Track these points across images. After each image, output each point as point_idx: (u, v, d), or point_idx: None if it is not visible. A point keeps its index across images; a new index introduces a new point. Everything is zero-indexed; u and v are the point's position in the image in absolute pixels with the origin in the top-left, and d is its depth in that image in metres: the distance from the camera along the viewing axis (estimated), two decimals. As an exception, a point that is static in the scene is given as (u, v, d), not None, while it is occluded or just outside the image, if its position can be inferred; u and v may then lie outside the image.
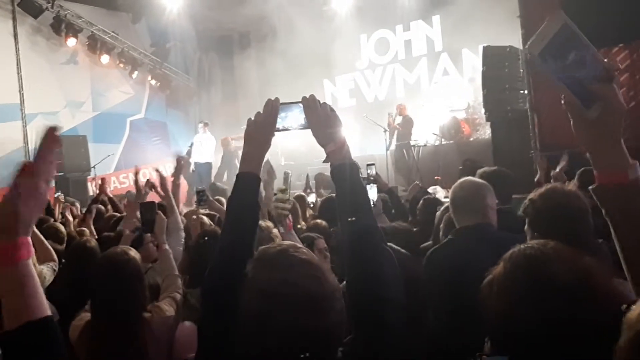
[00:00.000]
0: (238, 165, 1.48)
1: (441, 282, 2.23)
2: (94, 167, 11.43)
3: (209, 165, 12.13)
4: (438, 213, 3.23)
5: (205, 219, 3.63)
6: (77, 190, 10.20)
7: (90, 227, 4.43)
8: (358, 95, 14.66)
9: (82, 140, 11.67)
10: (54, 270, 3.27)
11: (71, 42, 12.58)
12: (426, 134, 11.30)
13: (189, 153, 12.67)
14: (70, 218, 4.79)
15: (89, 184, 10.99)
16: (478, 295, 1.11)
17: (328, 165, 1.47)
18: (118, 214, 4.70)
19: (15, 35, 12.14)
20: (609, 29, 5.62)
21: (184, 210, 4.18)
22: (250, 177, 1.43)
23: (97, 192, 6.99)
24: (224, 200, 4.29)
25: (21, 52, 12.22)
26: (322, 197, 5.63)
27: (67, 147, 11.10)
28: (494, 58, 7.90)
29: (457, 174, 5.54)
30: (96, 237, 4.13)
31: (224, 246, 1.38)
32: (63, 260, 3.34)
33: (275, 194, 3.05)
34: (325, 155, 1.47)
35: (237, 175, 1.44)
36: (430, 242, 3.11)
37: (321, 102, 1.48)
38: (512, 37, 7.58)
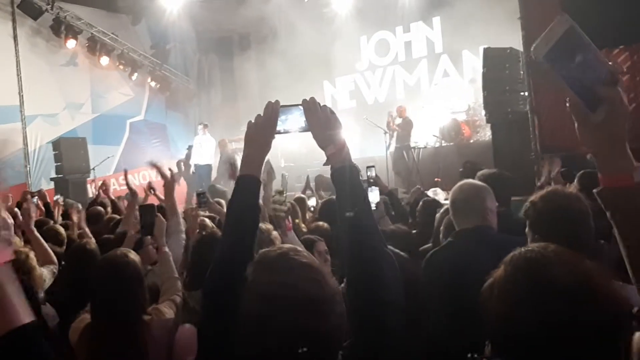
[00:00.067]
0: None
1: (441, 284, 2.22)
2: (93, 169, 11.43)
3: (209, 167, 12.14)
4: (437, 215, 3.23)
5: (208, 221, 3.63)
6: (77, 192, 10.19)
7: (78, 224, 4.37)
8: (358, 96, 14.68)
9: (82, 142, 11.67)
10: (54, 272, 3.28)
11: (71, 43, 12.60)
12: (426, 136, 11.31)
13: (187, 156, 12.68)
14: (76, 219, 4.76)
15: (88, 185, 10.99)
16: (478, 297, 1.11)
17: (328, 167, 1.47)
18: (117, 216, 4.69)
19: (15, 37, 12.16)
20: (609, 31, 5.62)
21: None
22: (250, 179, 1.43)
23: (99, 194, 6.99)
24: (223, 202, 4.29)
25: (21, 54, 12.24)
26: (322, 199, 5.63)
27: (66, 149, 11.12)
28: (494, 60, 7.91)
29: (457, 176, 5.54)
30: (81, 232, 4.13)
31: (225, 248, 1.38)
32: (63, 263, 3.35)
33: (272, 196, 3.06)
34: (325, 158, 1.47)
35: (238, 178, 1.45)
36: (430, 245, 3.11)
37: (321, 104, 1.48)
38: (512, 38, 7.58)
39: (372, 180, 4.19)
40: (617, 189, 1.03)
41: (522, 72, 7.60)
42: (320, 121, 1.45)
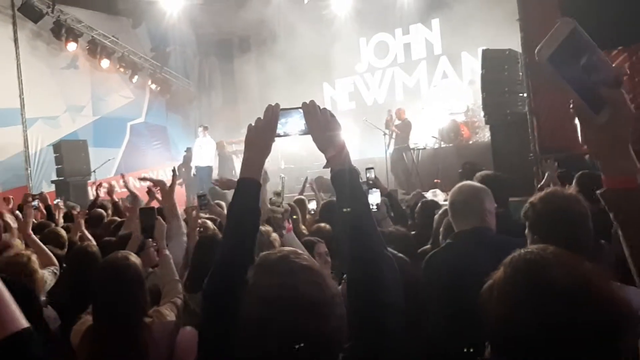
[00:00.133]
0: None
1: (440, 286, 2.23)
2: (94, 171, 11.44)
3: (209, 169, 12.15)
4: (436, 217, 3.23)
5: (209, 223, 3.64)
6: (78, 195, 10.20)
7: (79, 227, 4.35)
8: (357, 98, 14.69)
9: (83, 144, 11.68)
10: (55, 273, 3.29)
11: (71, 46, 12.62)
12: (425, 137, 11.32)
13: (185, 158, 12.69)
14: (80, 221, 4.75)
15: (89, 188, 11.00)
16: (477, 299, 1.12)
17: (328, 169, 1.48)
18: (118, 219, 4.70)
19: (16, 40, 12.18)
20: (608, 32, 5.62)
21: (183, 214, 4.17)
22: (250, 182, 1.44)
23: (97, 195, 6.99)
24: (224, 204, 4.30)
25: (21, 57, 12.26)
26: (322, 200, 5.63)
27: (67, 152, 11.13)
28: (493, 61, 7.92)
29: (456, 177, 5.55)
30: (82, 234, 4.11)
31: (225, 251, 1.39)
32: (64, 265, 3.35)
33: (270, 198, 3.07)
34: (325, 161, 1.48)
35: (238, 181, 1.45)
36: (428, 246, 3.12)
37: (321, 107, 1.48)
38: (511, 40, 7.59)
39: (371, 182, 4.19)
40: (620, 190, 1.04)
41: (521, 74, 7.61)
42: (320, 124, 1.45)
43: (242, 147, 1.58)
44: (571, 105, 1.07)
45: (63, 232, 4.07)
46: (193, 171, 12.36)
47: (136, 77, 14.14)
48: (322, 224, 3.60)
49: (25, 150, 12.32)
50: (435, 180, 9.39)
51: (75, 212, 4.95)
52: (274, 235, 2.90)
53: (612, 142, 1.04)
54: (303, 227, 4.34)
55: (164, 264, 2.62)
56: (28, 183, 12.12)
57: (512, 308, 1.03)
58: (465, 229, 2.35)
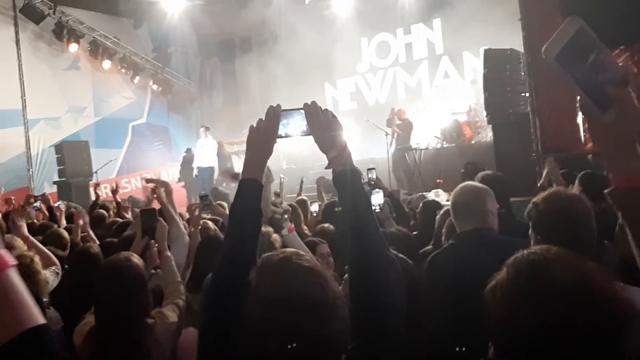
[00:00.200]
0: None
1: (442, 286, 2.23)
2: (96, 172, 11.46)
3: (211, 169, 12.16)
4: (438, 217, 3.23)
5: (211, 223, 3.64)
6: (80, 196, 10.22)
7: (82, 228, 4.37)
8: (359, 98, 14.69)
9: (84, 145, 11.70)
10: (57, 273, 3.29)
11: (73, 47, 12.65)
12: (428, 137, 11.30)
13: (185, 159, 12.71)
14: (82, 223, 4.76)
15: (91, 189, 11.03)
16: (479, 299, 1.11)
17: (330, 169, 1.48)
18: (120, 220, 4.70)
19: (17, 42, 12.22)
20: (609, 31, 5.60)
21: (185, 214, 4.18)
22: (252, 183, 1.44)
23: (97, 196, 6.99)
24: (226, 205, 4.30)
25: (23, 58, 12.30)
26: (323, 201, 5.63)
27: (69, 153, 11.16)
28: (495, 61, 7.91)
29: (458, 177, 5.54)
30: (84, 235, 4.11)
31: (227, 251, 1.39)
32: (66, 266, 3.36)
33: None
34: (327, 161, 1.47)
35: (240, 182, 1.45)
36: (430, 247, 3.12)
37: (323, 108, 1.48)
38: (513, 39, 7.58)
39: (372, 183, 4.19)
40: (628, 189, 1.04)
41: (523, 73, 7.60)
42: (322, 125, 1.45)
43: (243, 147, 1.57)
44: (578, 104, 1.07)
45: (65, 234, 4.07)
46: (195, 172, 12.37)
47: (138, 77, 14.17)
48: (326, 225, 3.59)
49: (27, 152, 12.35)
50: (438, 180, 9.38)
51: (75, 213, 4.95)
52: (275, 235, 2.90)
53: (619, 141, 1.04)
54: (305, 227, 4.34)
55: (165, 265, 2.62)
56: (30, 184, 12.15)
57: (515, 309, 1.03)
58: (467, 230, 2.34)
